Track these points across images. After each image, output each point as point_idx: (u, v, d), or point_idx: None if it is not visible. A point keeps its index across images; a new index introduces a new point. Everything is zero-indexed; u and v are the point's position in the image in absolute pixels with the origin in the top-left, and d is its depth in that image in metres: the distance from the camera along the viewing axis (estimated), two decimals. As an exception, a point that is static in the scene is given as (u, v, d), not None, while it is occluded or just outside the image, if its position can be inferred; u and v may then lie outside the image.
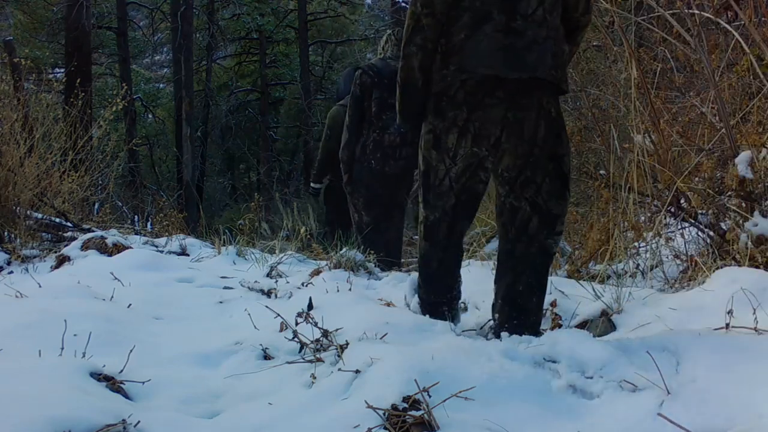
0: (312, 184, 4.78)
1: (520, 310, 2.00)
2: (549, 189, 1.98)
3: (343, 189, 4.02)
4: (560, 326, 2.04)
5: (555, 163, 1.99)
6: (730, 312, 1.68)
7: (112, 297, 2.51)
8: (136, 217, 8.19)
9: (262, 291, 2.93)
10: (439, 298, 2.12)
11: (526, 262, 2.00)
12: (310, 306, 2.37)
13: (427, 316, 2.11)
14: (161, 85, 17.92)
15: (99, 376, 1.66)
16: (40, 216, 4.35)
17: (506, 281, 2.02)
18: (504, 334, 1.96)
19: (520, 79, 1.92)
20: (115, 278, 2.89)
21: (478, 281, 2.58)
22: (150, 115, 17.32)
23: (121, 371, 1.72)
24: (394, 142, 3.71)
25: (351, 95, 3.81)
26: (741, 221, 2.13)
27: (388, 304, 2.53)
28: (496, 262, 2.14)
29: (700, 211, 2.31)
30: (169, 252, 3.97)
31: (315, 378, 1.73)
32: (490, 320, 2.09)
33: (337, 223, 4.43)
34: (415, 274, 2.31)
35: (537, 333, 1.97)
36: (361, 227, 3.83)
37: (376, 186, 3.75)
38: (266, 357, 1.99)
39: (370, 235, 3.73)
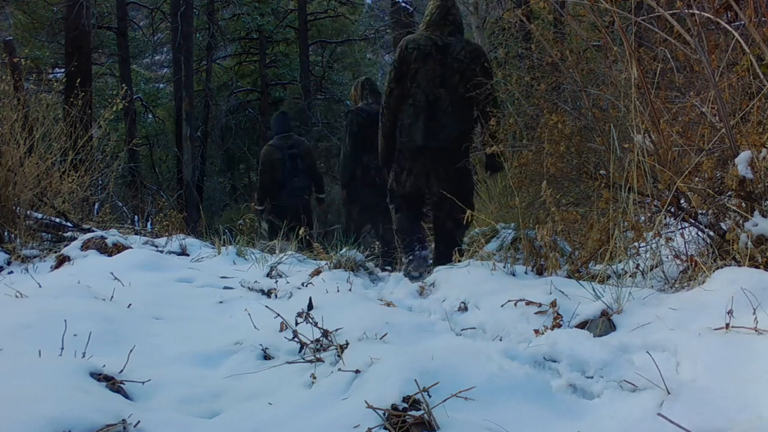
0: (257, 207, 6.10)
1: (441, 261, 3.46)
2: (455, 207, 3.43)
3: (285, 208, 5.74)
4: (560, 326, 2.04)
5: (458, 193, 3.50)
6: (730, 312, 1.68)
7: (112, 297, 2.51)
8: (136, 217, 8.19)
9: (262, 291, 2.93)
10: (411, 236, 3.67)
11: (445, 242, 3.67)
12: (310, 306, 2.38)
13: (407, 253, 3.62)
14: (161, 85, 17.89)
15: (99, 376, 1.66)
16: (40, 216, 4.34)
17: (436, 249, 3.79)
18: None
19: (435, 147, 3.58)
20: (115, 278, 2.89)
21: (478, 281, 2.58)
22: (150, 115, 17.30)
23: (121, 371, 1.72)
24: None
25: (348, 133, 4.98)
26: (741, 221, 2.12)
27: (388, 304, 2.53)
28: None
29: (700, 211, 2.30)
30: (169, 252, 3.97)
31: (315, 378, 1.73)
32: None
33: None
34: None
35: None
36: (352, 226, 4.99)
37: (372, 196, 4.90)
38: (266, 357, 1.99)
39: (360, 230, 4.97)
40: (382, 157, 3.80)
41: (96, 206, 5.92)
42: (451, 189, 3.49)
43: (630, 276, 2.41)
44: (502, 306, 2.25)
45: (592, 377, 1.68)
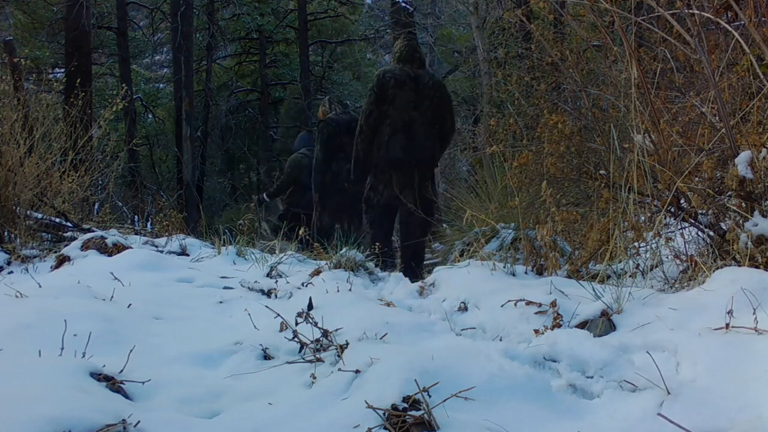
0: (267, 197, 6.71)
1: (408, 272, 4.01)
2: (422, 209, 4.17)
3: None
4: (560, 326, 2.04)
5: (426, 197, 4.24)
6: (730, 312, 1.68)
7: (112, 297, 2.51)
8: (136, 217, 8.19)
9: (262, 291, 2.93)
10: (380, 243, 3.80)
11: (412, 251, 4.36)
12: (310, 306, 2.38)
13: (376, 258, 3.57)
14: (161, 85, 17.89)
15: (99, 376, 1.66)
16: (40, 216, 4.34)
17: (406, 250, 4.37)
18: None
19: (412, 161, 4.23)
20: (115, 278, 2.89)
21: (478, 281, 2.58)
22: (150, 115, 17.30)
23: (121, 371, 1.72)
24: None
25: (320, 141, 5.47)
26: (741, 221, 2.12)
27: (388, 304, 2.53)
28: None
29: (700, 211, 2.30)
30: (169, 252, 3.97)
31: (315, 378, 1.73)
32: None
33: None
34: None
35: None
36: (322, 228, 5.45)
37: (344, 198, 5.35)
38: (266, 357, 1.99)
39: (330, 232, 5.46)
40: (355, 169, 4.39)
41: (96, 206, 5.92)
42: (422, 198, 4.22)
43: (630, 276, 2.41)
44: (502, 306, 2.25)
45: (592, 377, 1.68)
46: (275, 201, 6.94)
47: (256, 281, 3.05)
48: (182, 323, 2.39)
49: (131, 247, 3.70)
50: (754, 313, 1.65)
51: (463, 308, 2.44)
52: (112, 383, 1.66)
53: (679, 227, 2.45)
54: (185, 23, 12.44)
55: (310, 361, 1.83)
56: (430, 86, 4.30)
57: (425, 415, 1.39)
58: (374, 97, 4.24)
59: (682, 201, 2.34)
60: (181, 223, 5.59)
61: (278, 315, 2.07)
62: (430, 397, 1.44)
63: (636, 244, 2.45)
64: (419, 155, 4.23)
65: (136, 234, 4.63)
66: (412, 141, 4.21)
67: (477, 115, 9.80)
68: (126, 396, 1.64)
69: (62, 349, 1.80)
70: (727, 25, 2.24)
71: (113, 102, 5.26)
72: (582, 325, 2.03)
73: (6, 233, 4.04)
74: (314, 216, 5.64)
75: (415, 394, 1.45)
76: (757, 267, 1.98)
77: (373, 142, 4.28)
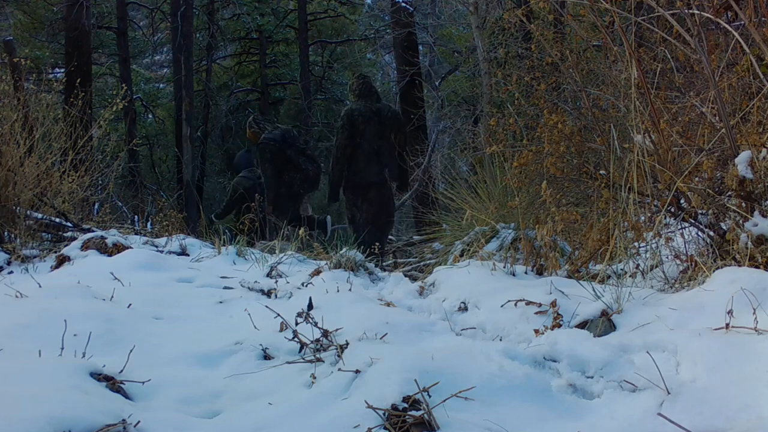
0: (214, 218, 7.01)
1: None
2: (388, 219, 5.25)
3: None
4: (560, 326, 2.04)
5: (390, 212, 5.30)
6: (730, 312, 1.68)
7: (112, 297, 2.51)
8: (136, 217, 8.18)
9: (262, 291, 2.93)
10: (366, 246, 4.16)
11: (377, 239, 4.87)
12: (310, 306, 2.38)
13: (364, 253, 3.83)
14: (161, 85, 17.87)
15: (99, 376, 1.66)
16: (40, 216, 4.34)
17: (372, 236, 4.99)
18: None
19: (384, 180, 5.12)
20: (115, 278, 2.89)
21: (478, 281, 2.58)
22: (150, 115, 17.30)
23: (121, 371, 1.72)
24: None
25: (264, 160, 6.03)
26: (741, 221, 2.12)
27: (388, 304, 2.53)
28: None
29: (700, 211, 2.30)
30: (169, 252, 3.97)
31: (315, 378, 1.73)
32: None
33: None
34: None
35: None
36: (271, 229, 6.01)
37: (296, 205, 6.28)
38: (266, 357, 1.99)
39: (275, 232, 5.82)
40: (331, 193, 5.21)
41: (96, 206, 5.91)
42: (388, 209, 5.25)
43: (630, 276, 2.41)
44: (502, 306, 2.25)
45: (592, 377, 1.68)
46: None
47: (256, 281, 3.04)
48: (182, 323, 2.39)
49: (131, 247, 3.70)
50: (754, 313, 1.65)
51: (463, 308, 2.44)
52: (112, 383, 1.65)
53: (679, 227, 2.45)
54: (185, 23, 12.43)
55: (310, 361, 1.83)
56: (389, 117, 5.19)
57: (425, 415, 1.39)
58: (347, 133, 5.00)
59: (682, 201, 2.34)
60: (181, 223, 5.59)
61: (278, 315, 2.07)
62: (430, 397, 1.45)
63: (636, 244, 2.45)
64: (389, 175, 5.13)
65: (136, 234, 4.63)
66: (382, 164, 5.08)
67: (477, 115, 9.80)
68: (126, 396, 1.64)
69: (62, 349, 1.80)
70: (727, 25, 2.24)
71: (113, 102, 5.26)
72: (582, 325, 2.03)
73: (6, 233, 4.04)
74: (268, 216, 6.19)
75: (415, 394, 1.45)
76: (757, 267, 1.98)
77: (345, 170, 5.08)
